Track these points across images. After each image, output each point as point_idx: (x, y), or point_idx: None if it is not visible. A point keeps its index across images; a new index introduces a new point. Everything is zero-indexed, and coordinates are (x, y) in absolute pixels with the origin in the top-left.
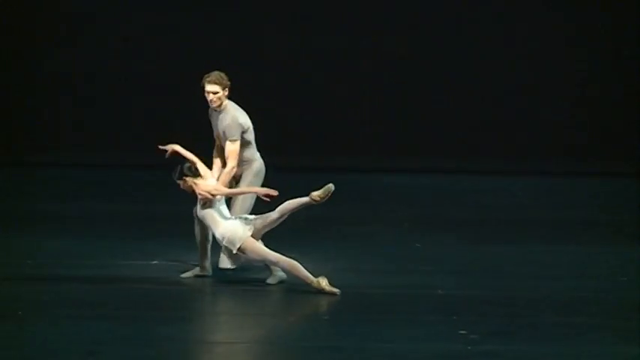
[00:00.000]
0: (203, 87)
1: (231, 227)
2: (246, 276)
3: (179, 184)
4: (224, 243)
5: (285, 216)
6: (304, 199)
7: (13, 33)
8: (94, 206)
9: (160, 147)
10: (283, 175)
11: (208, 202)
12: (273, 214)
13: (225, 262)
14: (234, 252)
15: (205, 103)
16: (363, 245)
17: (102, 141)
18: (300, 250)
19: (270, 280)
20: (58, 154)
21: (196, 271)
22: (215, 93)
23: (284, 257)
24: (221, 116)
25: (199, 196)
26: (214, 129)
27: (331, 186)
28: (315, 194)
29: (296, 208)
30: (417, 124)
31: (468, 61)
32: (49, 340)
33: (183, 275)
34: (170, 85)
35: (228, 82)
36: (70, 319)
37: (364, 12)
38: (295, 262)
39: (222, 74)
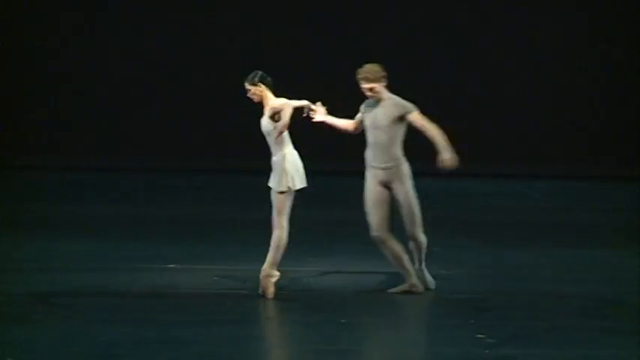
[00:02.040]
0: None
1: None
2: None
3: (249, 90)
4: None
5: None
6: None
7: (9, 34)
8: (106, 209)
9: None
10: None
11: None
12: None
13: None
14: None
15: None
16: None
17: (101, 144)
18: (325, 253)
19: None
20: (56, 157)
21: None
22: (371, 89)
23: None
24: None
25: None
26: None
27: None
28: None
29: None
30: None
31: (477, 68)
32: (66, 344)
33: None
34: (172, 89)
35: (381, 74)
36: (88, 322)
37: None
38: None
39: (374, 68)
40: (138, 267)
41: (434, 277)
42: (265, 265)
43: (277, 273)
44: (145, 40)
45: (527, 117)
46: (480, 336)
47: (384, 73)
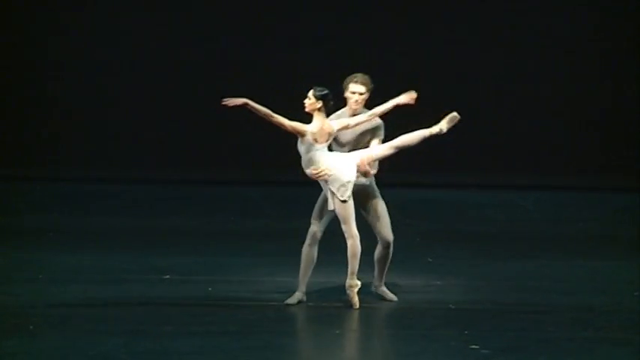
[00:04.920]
0: (346, 87)
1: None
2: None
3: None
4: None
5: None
6: (426, 132)
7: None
8: (98, 220)
9: (226, 101)
10: (299, 189)
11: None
12: (387, 150)
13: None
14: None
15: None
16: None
17: (99, 155)
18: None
19: (289, 301)
20: (54, 168)
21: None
22: (361, 94)
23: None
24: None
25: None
26: (347, 135)
27: (455, 114)
28: (442, 125)
29: (416, 141)
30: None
31: (476, 77)
32: (62, 355)
33: (288, 301)
34: (166, 99)
35: (372, 86)
36: (82, 333)
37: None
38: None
39: (368, 76)
40: (131, 278)
41: (426, 287)
42: (347, 276)
43: (358, 282)
44: (153, 48)
45: (520, 128)
46: (474, 347)
47: (372, 86)
